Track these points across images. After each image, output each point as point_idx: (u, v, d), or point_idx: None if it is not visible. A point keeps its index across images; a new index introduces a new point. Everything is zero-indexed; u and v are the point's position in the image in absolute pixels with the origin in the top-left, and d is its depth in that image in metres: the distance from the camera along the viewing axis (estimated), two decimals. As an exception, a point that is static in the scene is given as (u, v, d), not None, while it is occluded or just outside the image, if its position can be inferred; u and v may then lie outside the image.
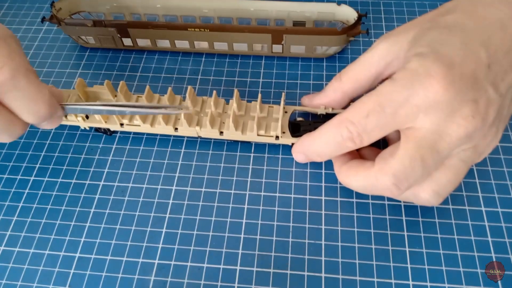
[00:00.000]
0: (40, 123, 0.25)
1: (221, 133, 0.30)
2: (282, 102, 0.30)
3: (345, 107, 0.29)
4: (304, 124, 0.30)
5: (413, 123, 0.22)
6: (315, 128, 0.29)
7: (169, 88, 0.31)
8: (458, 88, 0.21)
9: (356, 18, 0.33)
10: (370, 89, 0.27)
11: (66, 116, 0.31)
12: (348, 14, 0.34)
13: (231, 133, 0.29)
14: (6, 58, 0.21)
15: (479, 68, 0.22)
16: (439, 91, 0.21)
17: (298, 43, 0.34)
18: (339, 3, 0.34)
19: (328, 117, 0.31)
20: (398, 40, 0.25)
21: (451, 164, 0.23)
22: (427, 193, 0.24)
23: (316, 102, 0.30)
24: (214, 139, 0.31)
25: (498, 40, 0.22)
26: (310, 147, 0.27)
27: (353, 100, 0.28)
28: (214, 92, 0.30)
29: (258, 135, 0.29)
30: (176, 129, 0.30)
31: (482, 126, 0.22)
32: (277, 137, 0.29)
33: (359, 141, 0.24)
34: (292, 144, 0.30)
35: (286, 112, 0.30)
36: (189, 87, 0.30)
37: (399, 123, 0.23)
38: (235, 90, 0.30)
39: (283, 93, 0.30)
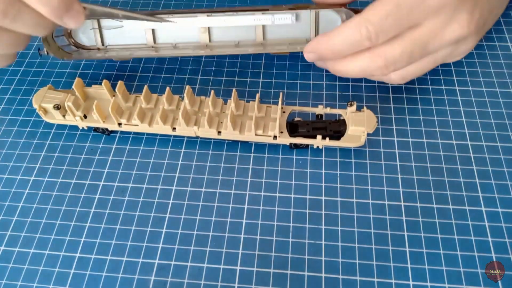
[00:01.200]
0: (59, 17, 0.25)
1: (219, 133, 0.30)
2: (280, 102, 0.30)
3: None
4: (302, 124, 0.30)
5: (421, 22, 0.26)
6: (313, 128, 0.29)
7: (167, 88, 0.31)
8: None
9: None
10: None
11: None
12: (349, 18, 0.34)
13: (229, 133, 0.29)
14: None
15: None
16: None
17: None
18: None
19: (326, 116, 0.31)
20: None
21: (424, 59, 0.29)
22: (394, 75, 0.29)
23: None
24: (213, 139, 0.31)
25: None
26: (326, 44, 0.28)
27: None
28: (212, 91, 0.30)
29: (256, 134, 0.29)
30: (174, 128, 0.30)
31: (473, 34, 0.27)
32: (275, 137, 0.29)
33: (376, 40, 0.26)
34: (290, 144, 0.30)
35: (284, 112, 0.30)
36: (187, 86, 0.30)
37: (411, 23, 0.26)
38: (233, 90, 0.30)
39: (281, 93, 0.30)
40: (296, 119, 0.31)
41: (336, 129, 0.30)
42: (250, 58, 0.36)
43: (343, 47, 0.28)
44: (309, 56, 0.31)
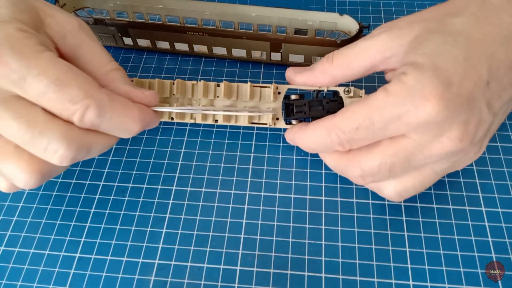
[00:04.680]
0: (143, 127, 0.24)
1: (216, 121, 0.29)
2: (272, 88, 0.28)
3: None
4: (298, 105, 0.28)
5: (401, 134, 0.22)
6: (310, 107, 0.27)
7: (156, 79, 0.29)
8: (452, 109, 0.20)
9: (357, 30, 0.33)
10: (361, 77, 0.26)
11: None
12: (350, 25, 0.34)
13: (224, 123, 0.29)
14: (85, 92, 0.21)
15: (477, 87, 0.21)
16: (432, 112, 0.20)
17: (296, 53, 0.34)
18: (341, 14, 0.34)
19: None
20: (400, 35, 0.24)
21: (422, 172, 0.24)
22: (389, 191, 0.25)
23: (301, 80, 0.28)
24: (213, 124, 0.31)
25: (502, 54, 0.21)
26: (301, 141, 0.26)
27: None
28: (202, 81, 0.28)
29: (251, 123, 0.29)
30: (172, 118, 0.30)
31: (468, 147, 0.22)
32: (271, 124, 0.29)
33: (349, 146, 0.24)
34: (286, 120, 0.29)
35: (279, 93, 0.29)
36: (176, 80, 0.28)
37: (387, 135, 0.23)
38: (223, 82, 0.28)
39: (273, 83, 0.29)
40: (293, 97, 0.28)
41: (333, 110, 0.27)
42: (249, 64, 0.36)
43: (317, 147, 0.26)
44: (290, 143, 0.28)
